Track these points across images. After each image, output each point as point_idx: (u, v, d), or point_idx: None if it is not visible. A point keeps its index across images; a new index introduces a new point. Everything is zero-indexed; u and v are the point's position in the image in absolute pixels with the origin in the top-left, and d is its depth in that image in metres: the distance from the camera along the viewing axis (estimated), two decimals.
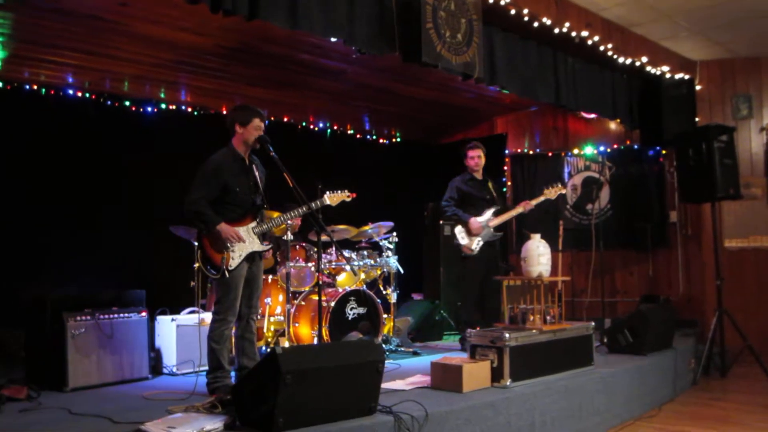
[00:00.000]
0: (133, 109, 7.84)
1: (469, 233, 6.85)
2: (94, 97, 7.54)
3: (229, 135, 5.04)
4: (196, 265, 4.88)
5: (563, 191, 7.11)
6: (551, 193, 6.99)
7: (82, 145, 7.31)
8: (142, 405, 4.60)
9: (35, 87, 7.17)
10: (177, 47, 6.52)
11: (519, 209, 6.96)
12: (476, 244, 6.81)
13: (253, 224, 4.99)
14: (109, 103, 7.66)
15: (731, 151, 7.71)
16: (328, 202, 5.57)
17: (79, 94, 7.45)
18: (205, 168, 4.88)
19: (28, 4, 5.45)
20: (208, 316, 5.55)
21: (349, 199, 5.64)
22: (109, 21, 5.83)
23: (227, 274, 4.80)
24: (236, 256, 4.85)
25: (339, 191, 5.61)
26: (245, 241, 4.90)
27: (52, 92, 7.27)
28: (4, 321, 6.08)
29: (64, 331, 5.15)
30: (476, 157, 7.04)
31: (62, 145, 7.19)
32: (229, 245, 4.82)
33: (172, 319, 5.98)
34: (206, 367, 4.97)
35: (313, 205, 5.25)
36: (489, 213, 6.92)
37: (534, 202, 6.98)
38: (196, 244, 5.06)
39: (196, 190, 4.81)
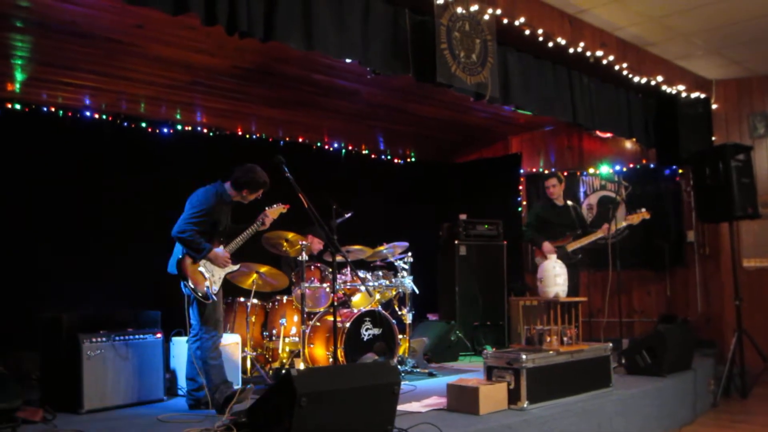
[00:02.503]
0: (150, 130, 7.89)
1: (544, 256, 7.10)
2: (110, 118, 7.59)
3: (229, 176, 5.24)
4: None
5: (646, 216, 7.44)
6: (634, 218, 7.44)
7: (99, 165, 7.34)
8: (157, 427, 4.59)
9: (53, 109, 7.23)
10: (192, 68, 6.57)
11: (600, 233, 7.38)
12: None
13: (221, 248, 5.20)
14: (125, 124, 7.71)
15: (749, 169, 7.66)
16: (270, 217, 5.51)
17: (96, 115, 7.50)
18: (201, 206, 5.09)
19: (47, 27, 5.51)
20: (225, 337, 5.62)
21: (284, 210, 5.58)
22: (125, 43, 5.89)
23: (214, 298, 5.10)
24: (216, 279, 5.16)
25: (276, 204, 5.53)
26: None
27: (70, 114, 7.33)
28: (20, 342, 6.09)
29: (80, 353, 5.12)
30: (551, 187, 7.67)
31: (79, 166, 7.22)
32: (221, 267, 5.19)
33: (187, 341, 5.94)
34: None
35: (258, 224, 5.42)
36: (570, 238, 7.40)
37: (614, 228, 7.39)
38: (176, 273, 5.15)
39: (188, 224, 5.02)
